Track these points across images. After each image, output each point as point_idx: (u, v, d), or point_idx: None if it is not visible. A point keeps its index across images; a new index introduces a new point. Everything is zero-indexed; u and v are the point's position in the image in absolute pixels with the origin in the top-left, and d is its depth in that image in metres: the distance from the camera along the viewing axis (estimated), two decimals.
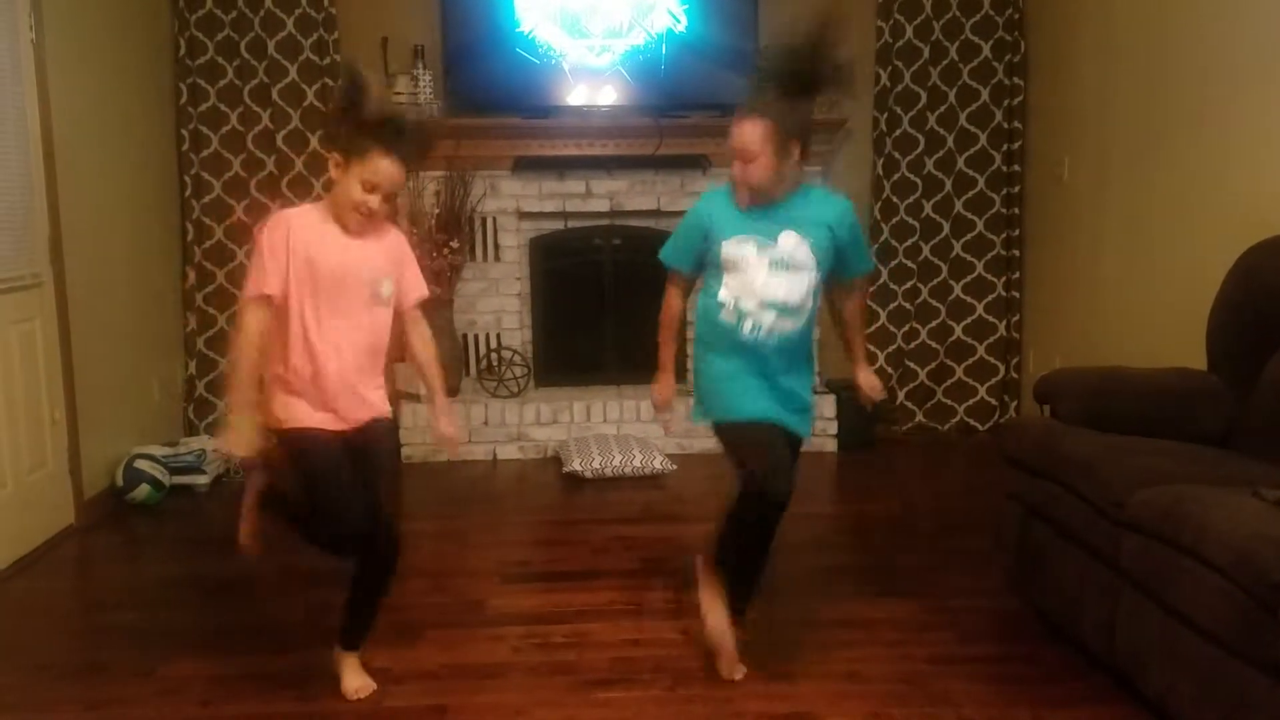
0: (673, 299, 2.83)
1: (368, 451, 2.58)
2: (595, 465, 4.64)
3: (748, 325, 2.64)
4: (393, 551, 2.61)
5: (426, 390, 2.76)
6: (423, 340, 2.71)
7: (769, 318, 2.64)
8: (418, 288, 2.66)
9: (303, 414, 2.51)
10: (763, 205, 2.64)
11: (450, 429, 2.72)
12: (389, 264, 2.58)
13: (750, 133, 2.57)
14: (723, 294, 2.67)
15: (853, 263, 2.77)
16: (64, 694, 2.71)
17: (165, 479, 4.39)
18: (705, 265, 2.75)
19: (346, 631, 2.70)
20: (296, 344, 2.48)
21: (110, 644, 3.02)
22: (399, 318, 2.64)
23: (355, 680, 2.67)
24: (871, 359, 5.42)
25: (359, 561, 2.61)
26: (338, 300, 2.49)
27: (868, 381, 2.86)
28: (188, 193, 5.17)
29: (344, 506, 2.49)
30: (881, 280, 5.47)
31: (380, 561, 2.60)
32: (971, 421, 5.56)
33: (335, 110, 2.55)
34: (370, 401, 2.59)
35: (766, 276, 2.63)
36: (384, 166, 2.45)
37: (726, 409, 2.68)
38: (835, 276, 2.77)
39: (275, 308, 2.47)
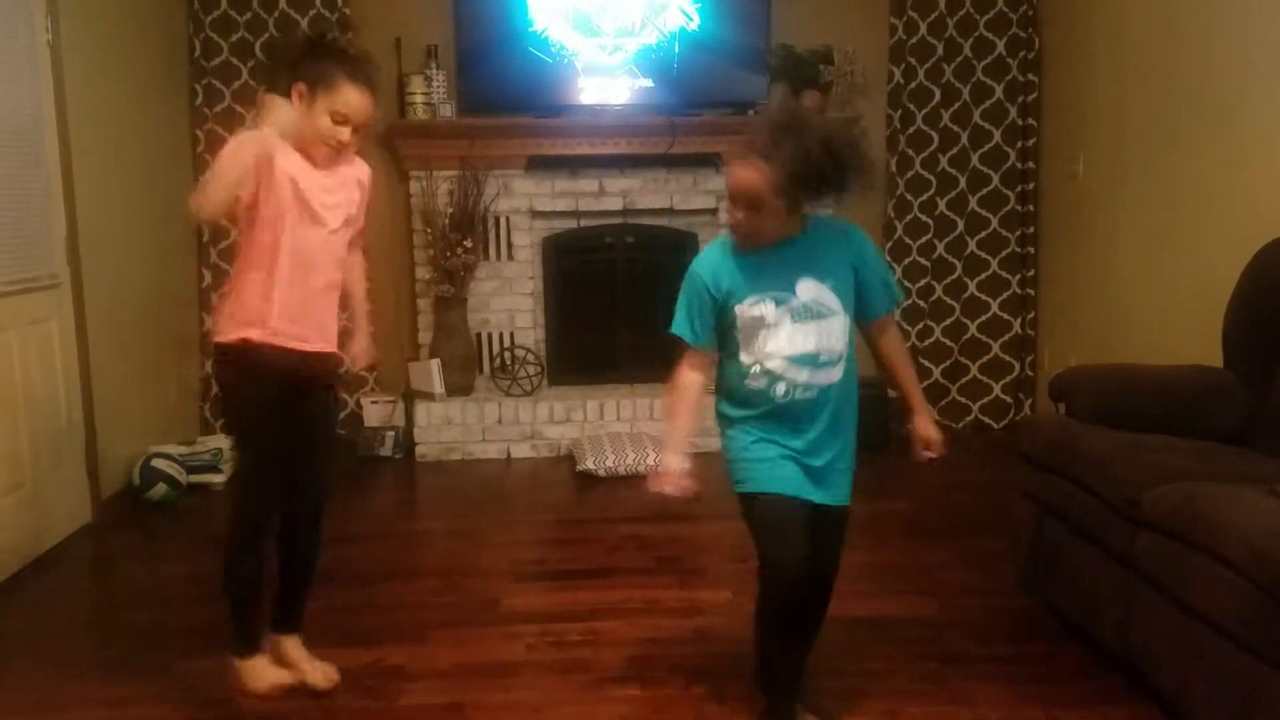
0: (686, 374, 2.36)
1: (310, 420, 2.58)
2: (608, 463, 4.64)
3: (780, 388, 2.28)
4: (317, 522, 2.61)
5: (352, 318, 2.73)
6: (358, 269, 2.72)
7: (802, 374, 2.27)
8: (361, 219, 2.63)
9: (261, 322, 2.43)
10: (769, 249, 2.28)
11: (359, 350, 2.72)
12: (361, 194, 2.57)
13: (753, 180, 2.16)
14: (744, 358, 2.30)
15: (878, 300, 2.37)
16: (81, 692, 2.72)
17: (182, 478, 4.41)
18: (722, 332, 2.37)
19: (281, 617, 2.67)
20: (270, 251, 2.41)
21: (127, 642, 3.04)
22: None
23: (271, 675, 2.62)
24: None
25: (283, 537, 2.62)
26: (313, 226, 2.44)
27: (925, 434, 2.41)
28: None
29: (274, 451, 2.49)
30: (895, 277, 5.46)
31: (305, 535, 2.61)
32: (986, 419, 5.55)
33: (302, 41, 2.45)
34: (332, 327, 2.57)
35: (790, 330, 2.27)
36: (354, 98, 2.38)
37: (749, 481, 2.32)
38: (861, 316, 2.38)
39: (243, 210, 2.39)
